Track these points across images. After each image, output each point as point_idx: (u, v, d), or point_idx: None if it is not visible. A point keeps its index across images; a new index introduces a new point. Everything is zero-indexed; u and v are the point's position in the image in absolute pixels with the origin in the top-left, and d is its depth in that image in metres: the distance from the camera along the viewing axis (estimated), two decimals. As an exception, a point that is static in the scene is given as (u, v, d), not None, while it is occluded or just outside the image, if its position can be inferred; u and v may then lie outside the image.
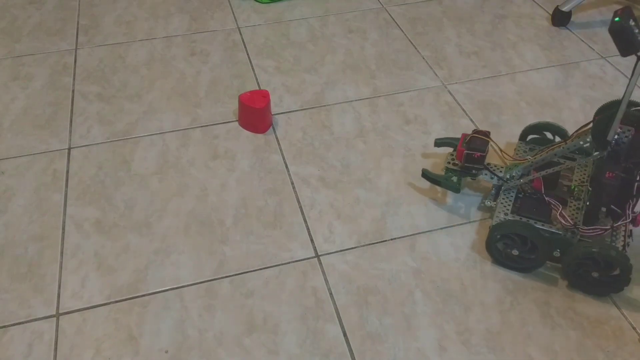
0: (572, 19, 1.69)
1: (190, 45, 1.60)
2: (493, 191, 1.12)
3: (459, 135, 1.21)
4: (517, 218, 1.03)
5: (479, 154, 1.08)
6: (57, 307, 1.00)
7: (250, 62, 1.54)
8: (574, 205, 1.03)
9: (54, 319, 0.98)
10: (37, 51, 1.58)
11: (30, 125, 1.35)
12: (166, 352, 0.94)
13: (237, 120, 1.36)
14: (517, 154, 1.16)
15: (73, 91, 1.45)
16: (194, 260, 1.07)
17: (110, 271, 1.05)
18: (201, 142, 1.31)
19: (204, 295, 1.02)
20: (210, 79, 1.49)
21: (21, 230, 1.12)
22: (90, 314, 0.99)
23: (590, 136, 0.97)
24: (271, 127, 1.35)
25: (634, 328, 0.98)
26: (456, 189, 1.12)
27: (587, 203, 1.03)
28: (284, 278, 1.04)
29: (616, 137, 0.95)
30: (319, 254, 1.08)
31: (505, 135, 1.33)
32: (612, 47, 1.54)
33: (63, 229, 1.12)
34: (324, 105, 1.41)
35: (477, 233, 1.12)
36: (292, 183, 1.22)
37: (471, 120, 1.37)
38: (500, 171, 1.11)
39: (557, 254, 1.01)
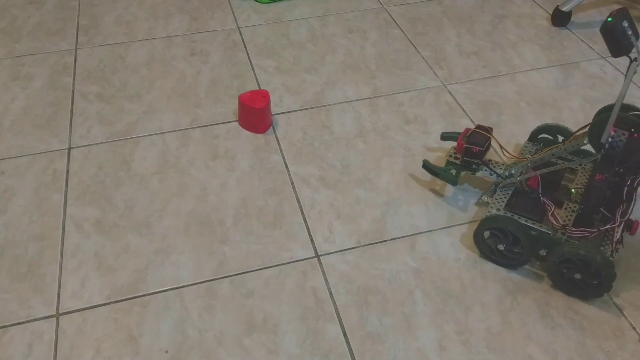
0: (572, 19, 1.69)
1: (190, 45, 1.60)
2: (492, 188, 1.13)
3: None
4: (509, 214, 1.04)
5: (477, 148, 1.09)
6: (57, 307, 1.00)
7: (250, 62, 1.54)
8: (570, 207, 1.03)
9: (54, 319, 0.98)
10: (37, 51, 1.58)
11: (30, 125, 1.35)
12: (166, 352, 0.94)
13: (237, 120, 1.36)
14: (522, 153, 1.17)
15: (73, 91, 1.45)
16: (194, 260, 1.07)
17: (110, 271, 1.05)
18: (201, 142, 1.31)
19: (204, 295, 1.02)
20: (210, 79, 1.49)
21: (21, 230, 1.12)
22: (90, 314, 0.99)
23: (587, 138, 0.98)
24: (271, 127, 1.35)
25: (634, 328, 0.98)
26: (453, 182, 1.14)
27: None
28: (284, 278, 1.04)
29: (610, 140, 0.95)
30: (319, 254, 1.08)
31: (505, 135, 1.33)
32: (612, 47, 1.53)
33: (63, 229, 1.12)
34: (324, 105, 1.41)
35: (477, 233, 1.12)
36: (292, 183, 1.22)
37: (471, 120, 1.37)
38: (501, 169, 1.12)
39: (543, 252, 1.02)
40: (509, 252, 1.04)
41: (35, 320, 0.98)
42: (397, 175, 1.23)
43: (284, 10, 1.75)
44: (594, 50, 1.60)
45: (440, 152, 1.29)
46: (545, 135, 1.20)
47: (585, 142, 0.98)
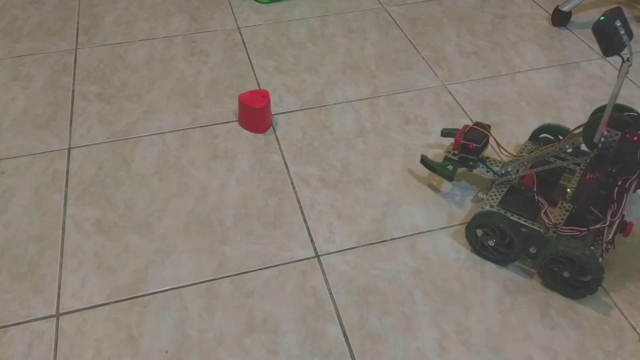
0: (572, 19, 1.69)
1: (190, 45, 1.60)
2: (489, 185, 1.13)
3: None
4: (502, 211, 1.04)
5: (474, 145, 1.10)
6: (57, 307, 1.00)
7: (250, 62, 1.54)
8: (564, 207, 1.04)
9: (54, 319, 0.98)
10: (37, 51, 1.58)
11: (30, 125, 1.35)
12: (166, 352, 0.94)
13: (237, 120, 1.36)
14: (521, 152, 1.17)
15: (73, 91, 1.45)
16: (194, 260, 1.07)
17: (110, 271, 1.05)
18: (201, 142, 1.31)
19: (204, 295, 1.02)
20: (210, 79, 1.49)
21: (21, 230, 1.12)
22: (90, 314, 0.99)
23: (581, 137, 0.98)
24: (271, 127, 1.35)
25: (634, 328, 0.98)
26: (449, 178, 1.14)
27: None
28: (284, 278, 1.04)
29: (603, 140, 0.95)
30: (319, 254, 1.08)
31: (506, 135, 1.33)
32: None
33: (63, 229, 1.12)
34: (324, 105, 1.41)
35: (477, 233, 1.12)
36: (292, 183, 1.22)
37: (471, 120, 1.37)
38: (497, 166, 1.12)
39: (533, 250, 1.02)
40: (499, 248, 1.04)
41: (35, 320, 0.98)
42: (397, 175, 1.23)
43: (284, 10, 1.75)
44: (594, 50, 1.60)
45: (440, 150, 1.29)
46: (547, 135, 1.20)
47: (580, 141, 0.99)
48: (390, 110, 1.39)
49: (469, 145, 1.10)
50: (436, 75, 1.50)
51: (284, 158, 1.27)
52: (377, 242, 1.10)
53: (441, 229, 1.13)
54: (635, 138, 0.93)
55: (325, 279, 1.04)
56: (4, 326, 0.97)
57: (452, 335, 0.96)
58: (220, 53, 1.57)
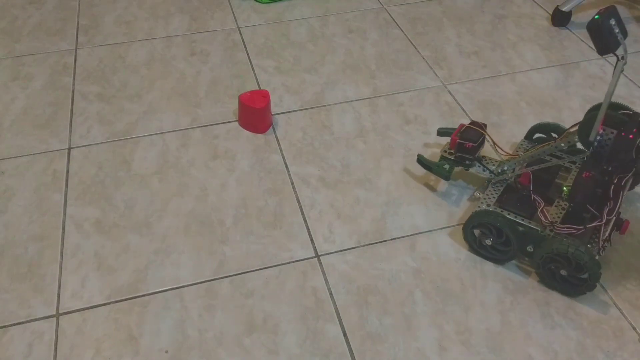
0: (572, 19, 1.69)
1: (190, 45, 1.60)
2: (486, 183, 1.14)
3: None
4: (498, 210, 1.04)
5: (470, 144, 1.10)
6: (57, 307, 1.00)
7: (250, 62, 1.54)
8: (561, 205, 1.04)
9: (54, 319, 0.98)
10: (37, 51, 1.58)
11: (30, 125, 1.35)
12: (166, 352, 0.94)
13: (237, 120, 1.36)
14: (518, 151, 1.17)
15: (73, 91, 1.45)
16: (194, 260, 1.07)
17: (110, 271, 1.05)
18: (201, 142, 1.31)
19: (204, 295, 1.02)
20: (210, 79, 1.49)
21: (21, 230, 1.12)
22: (90, 314, 0.99)
23: (577, 136, 0.98)
24: (271, 127, 1.35)
25: (634, 328, 0.98)
26: (446, 177, 1.14)
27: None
28: (284, 278, 1.04)
29: (599, 138, 0.95)
30: (319, 254, 1.08)
31: (505, 135, 1.33)
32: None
33: (63, 229, 1.12)
34: (324, 105, 1.41)
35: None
36: (292, 183, 1.22)
37: (471, 120, 1.37)
38: (494, 165, 1.13)
39: (530, 249, 1.02)
40: (496, 247, 1.04)
41: (35, 320, 0.98)
42: (397, 175, 1.23)
43: (284, 10, 1.75)
44: (594, 50, 1.60)
45: (439, 150, 1.28)
46: (541, 135, 1.20)
47: (576, 139, 0.99)
48: (390, 110, 1.39)
49: (465, 145, 1.11)
50: (436, 75, 1.50)
51: (284, 158, 1.27)
52: (377, 242, 1.10)
53: (441, 228, 1.13)
54: (630, 136, 0.93)
55: (325, 279, 1.04)
56: (4, 326, 0.97)
57: (452, 335, 0.96)
58: (220, 53, 1.57)
